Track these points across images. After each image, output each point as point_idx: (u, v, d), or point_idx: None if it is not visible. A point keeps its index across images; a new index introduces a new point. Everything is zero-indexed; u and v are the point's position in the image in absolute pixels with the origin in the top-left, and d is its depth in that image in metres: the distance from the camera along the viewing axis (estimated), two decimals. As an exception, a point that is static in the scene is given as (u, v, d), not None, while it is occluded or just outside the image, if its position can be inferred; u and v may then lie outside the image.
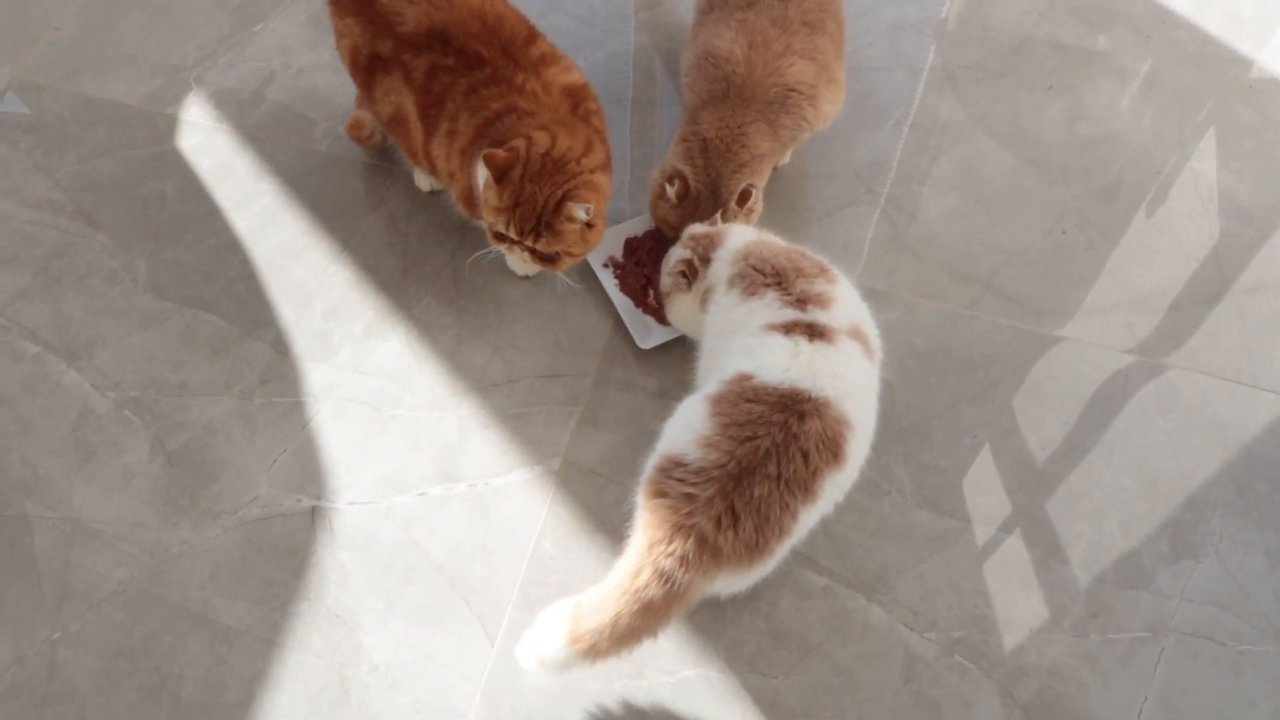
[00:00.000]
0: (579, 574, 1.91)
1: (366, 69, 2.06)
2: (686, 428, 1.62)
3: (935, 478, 2.02)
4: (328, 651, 1.86)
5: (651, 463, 1.64)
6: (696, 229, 1.96)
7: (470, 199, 2.03)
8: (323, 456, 2.04)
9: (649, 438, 1.70)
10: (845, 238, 2.32)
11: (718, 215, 1.99)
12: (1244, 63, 2.55)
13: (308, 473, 2.03)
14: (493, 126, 1.91)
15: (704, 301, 1.86)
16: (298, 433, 2.07)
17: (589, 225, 1.89)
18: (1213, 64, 2.55)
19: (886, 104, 2.51)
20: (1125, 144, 2.44)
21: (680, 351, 2.12)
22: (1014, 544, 1.95)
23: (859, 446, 1.64)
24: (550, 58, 1.97)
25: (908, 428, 2.07)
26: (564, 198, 1.81)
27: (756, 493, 1.54)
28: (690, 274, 1.88)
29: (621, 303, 2.17)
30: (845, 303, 1.73)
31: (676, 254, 1.94)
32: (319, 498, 2.01)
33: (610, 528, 1.95)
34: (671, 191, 2.05)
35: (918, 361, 2.15)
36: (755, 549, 1.55)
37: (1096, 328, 2.19)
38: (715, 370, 1.74)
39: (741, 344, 1.69)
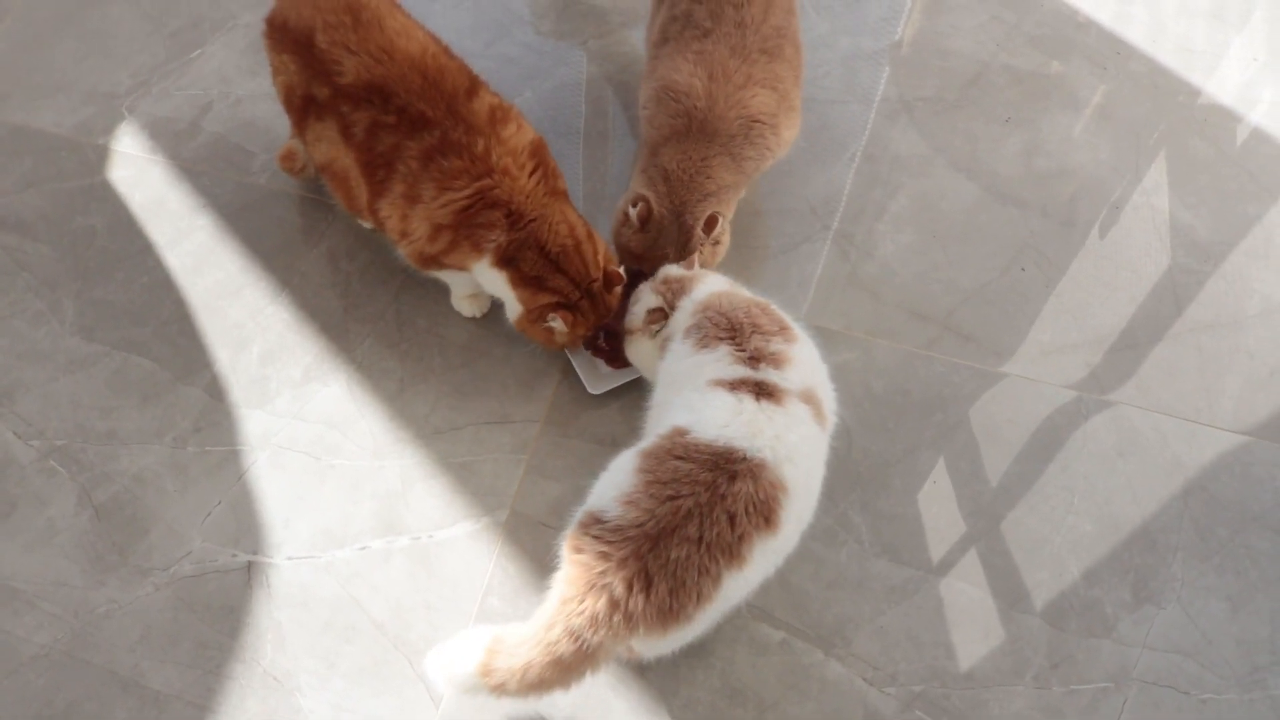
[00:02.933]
0: (527, 632, 1.84)
1: (300, 109, 1.98)
2: (612, 483, 1.56)
3: (894, 525, 1.97)
4: (264, 716, 1.77)
5: (576, 516, 1.59)
6: (671, 271, 1.90)
7: (427, 260, 1.95)
8: (259, 509, 1.95)
9: (595, 473, 1.67)
10: (800, 276, 2.27)
11: (694, 258, 1.93)
12: (1194, 93, 2.54)
13: (243, 526, 1.94)
14: (481, 216, 1.83)
15: (663, 348, 1.80)
16: (233, 484, 1.97)
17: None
18: (1165, 95, 2.54)
19: (843, 137, 2.46)
20: (1081, 177, 2.41)
21: (633, 396, 2.05)
22: (975, 593, 1.91)
23: (797, 513, 1.58)
24: (500, 113, 1.89)
25: (865, 474, 2.02)
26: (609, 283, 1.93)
27: (674, 555, 1.48)
28: (662, 321, 1.82)
29: (575, 350, 2.11)
30: (802, 364, 1.68)
31: (647, 298, 1.87)
32: (255, 552, 1.92)
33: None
34: (634, 214, 1.98)
35: (875, 405, 2.10)
36: (670, 614, 1.49)
37: (1055, 367, 2.16)
38: (659, 422, 1.68)
39: (685, 398, 1.64)
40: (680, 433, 1.56)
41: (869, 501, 1.99)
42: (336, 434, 2.02)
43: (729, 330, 1.69)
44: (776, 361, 1.64)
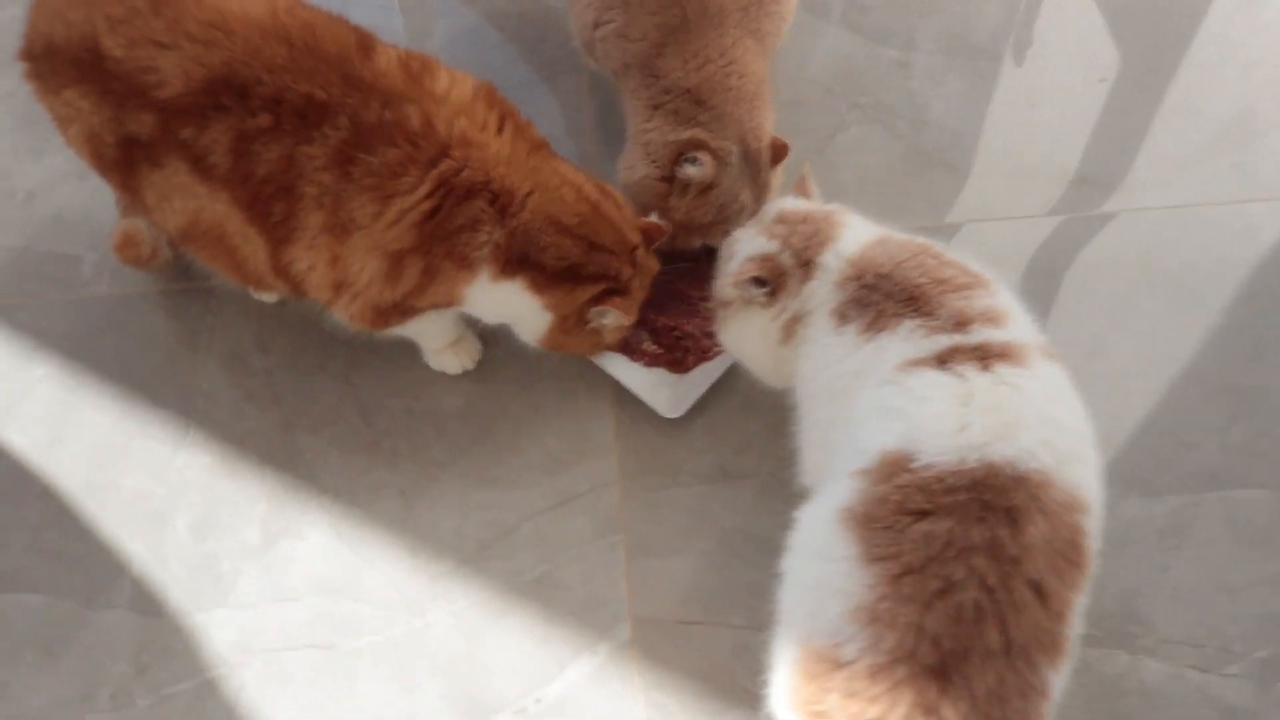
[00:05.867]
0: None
1: (121, 163, 1.33)
2: (822, 590, 0.98)
3: (1129, 446, 1.43)
4: None
5: (784, 663, 1.02)
6: (788, 206, 1.28)
7: (387, 313, 1.33)
8: (274, 750, 1.30)
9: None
10: (854, 175, 1.72)
11: (809, 182, 1.32)
12: None
13: (261, 783, 1.28)
14: (457, 216, 1.26)
15: (789, 332, 1.20)
16: (221, 727, 1.31)
17: None
18: None
19: (826, -7, 1.90)
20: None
21: (724, 396, 1.47)
22: (1265, 497, 1.39)
23: (1096, 533, 1.02)
24: (417, 64, 1.29)
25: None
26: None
27: (979, 687, 0.91)
28: (775, 281, 1.20)
29: (616, 365, 1.50)
30: (1022, 317, 1.12)
31: (750, 243, 1.25)
32: (293, 814, 1.27)
33: (742, 691, 1.28)
34: (698, 170, 1.39)
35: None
36: None
37: (1211, 180, 1.66)
38: (834, 450, 1.10)
39: (874, 400, 1.06)
40: (899, 463, 0.99)
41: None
42: (343, 602, 1.38)
43: (907, 299, 1.12)
44: (992, 318, 1.09)
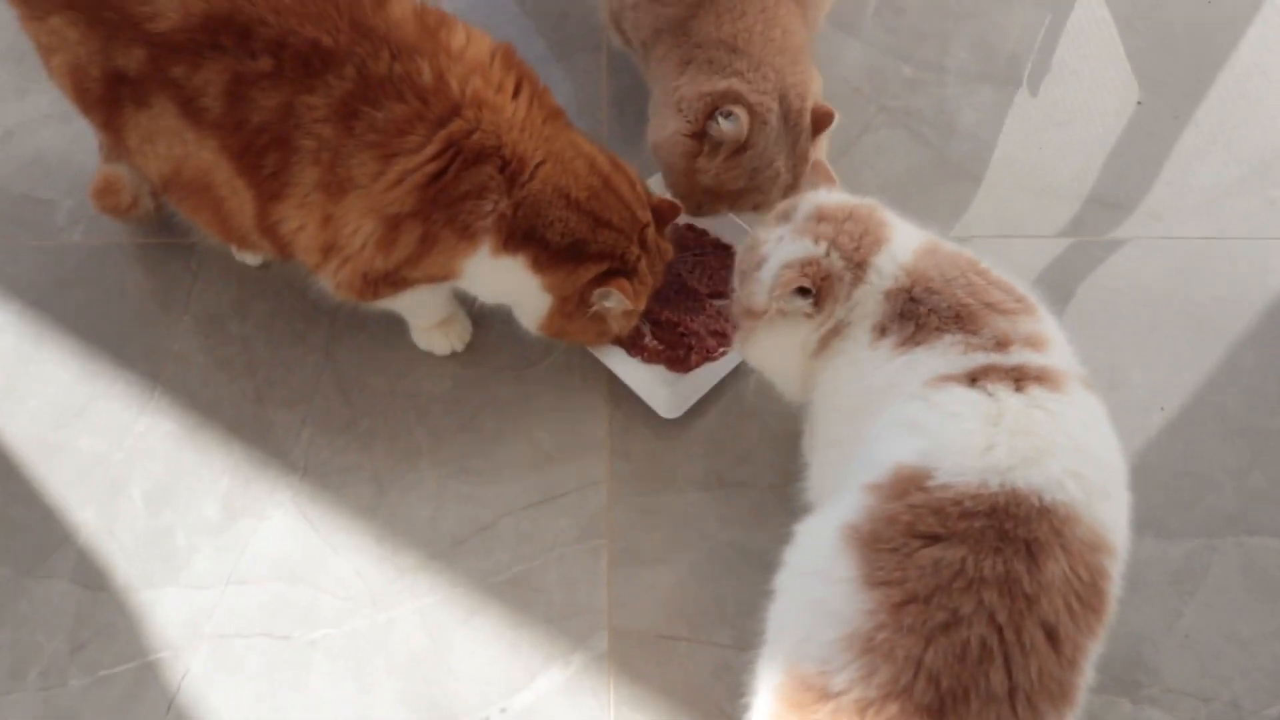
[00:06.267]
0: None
1: (105, 100, 1.24)
2: (816, 612, 0.90)
3: (1150, 485, 1.36)
4: None
5: (766, 687, 0.93)
6: (825, 201, 1.12)
7: (378, 283, 1.25)
8: (217, 742, 1.21)
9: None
10: (878, 178, 1.65)
11: (824, 164, 1.20)
12: None
13: (199, 779, 1.19)
14: (463, 180, 1.17)
15: (826, 344, 1.09)
16: (163, 716, 1.22)
17: None
18: None
19: (859, -13, 1.82)
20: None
21: (726, 399, 1.39)
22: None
23: (1119, 578, 0.94)
24: (434, 18, 1.21)
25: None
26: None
27: None
28: (821, 288, 1.06)
29: (615, 359, 1.41)
30: (1064, 347, 1.04)
31: (789, 246, 1.09)
32: (231, 814, 1.18)
33: (721, 715, 1.20)
34: (731, 126, 1.28)
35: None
36: None
37: (1229, 212, 1.59)
38: (847, 470, 1.01)
39: (897, 414, 0.98)
40: (913, 480, 0.90)
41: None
42: (303, 589, 1.29)
43: (952, 316, 1.02)
44: (1034, 342, 1.00)
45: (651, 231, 1.29)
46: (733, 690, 1.17)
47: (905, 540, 0.87)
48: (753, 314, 1.12)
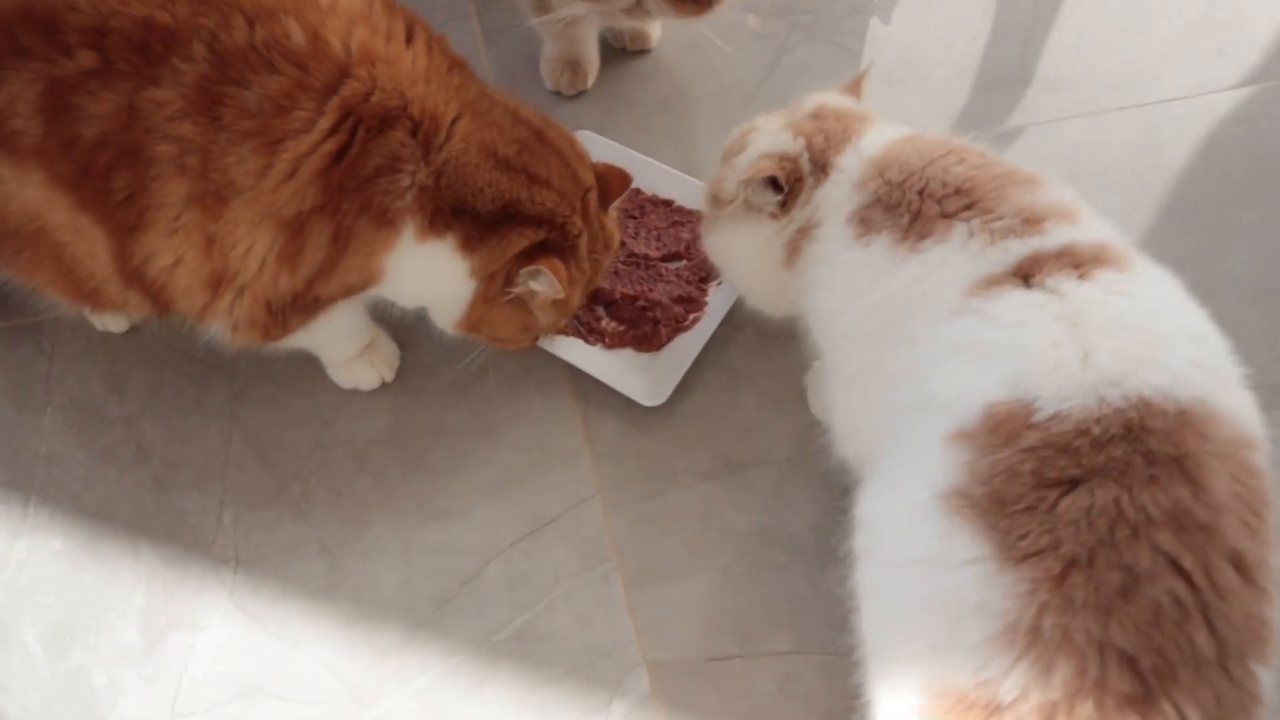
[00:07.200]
0: None
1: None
2: (945, 609, 0.73)
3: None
4: None
5: (899, 708, 0.76)
6: (828, 100, 1.04)
7: (285, 312, 1.02)
8: None
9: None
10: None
11: (862, 82, 1.09)
12: None
13: None
14: (371, 154, 0.95)
15: (794, 250, 0.97)
16: None
17: None
18: None
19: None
20: None
21: (709, 371, 1.22)
22: None
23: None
24: None
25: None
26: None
27: (1195, 714, 0.67)
28: (790, 187, 0.96)
29: (574, 351, 1.22)
30: (1094, 214, 0.90)
31: (770, 138, 1.00)
32: None
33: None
34: None
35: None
36: None
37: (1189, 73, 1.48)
38: (888, 408, 0.86)
39: (947, 337, 0.82)
40: (1015, 418, 0.74)
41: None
42: (266, 705, 1.06)
43: (954, 194, 0.88)
44: (1065, 214, 0.87)
45: (594, 199, 1.09)
46: (807, 702, 1.00)
47: (1038, 494, 0.71)
48: (719, 202, 1.03)
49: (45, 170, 0.94)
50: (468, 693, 1.04)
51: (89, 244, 0.99)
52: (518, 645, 1.07)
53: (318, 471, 1.18)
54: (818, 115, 1.01)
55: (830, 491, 1.08)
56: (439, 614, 1.09)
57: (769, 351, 1.23)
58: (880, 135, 0.98)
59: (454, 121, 0.98)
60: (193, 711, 1.04)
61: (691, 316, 1.24)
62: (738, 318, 1.22)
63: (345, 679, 1.06)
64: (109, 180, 0.94)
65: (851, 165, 0.95)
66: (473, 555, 1.12)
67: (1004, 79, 1.50)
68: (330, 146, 0.93)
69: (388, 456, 1.19)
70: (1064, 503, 0.70)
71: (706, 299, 1.25)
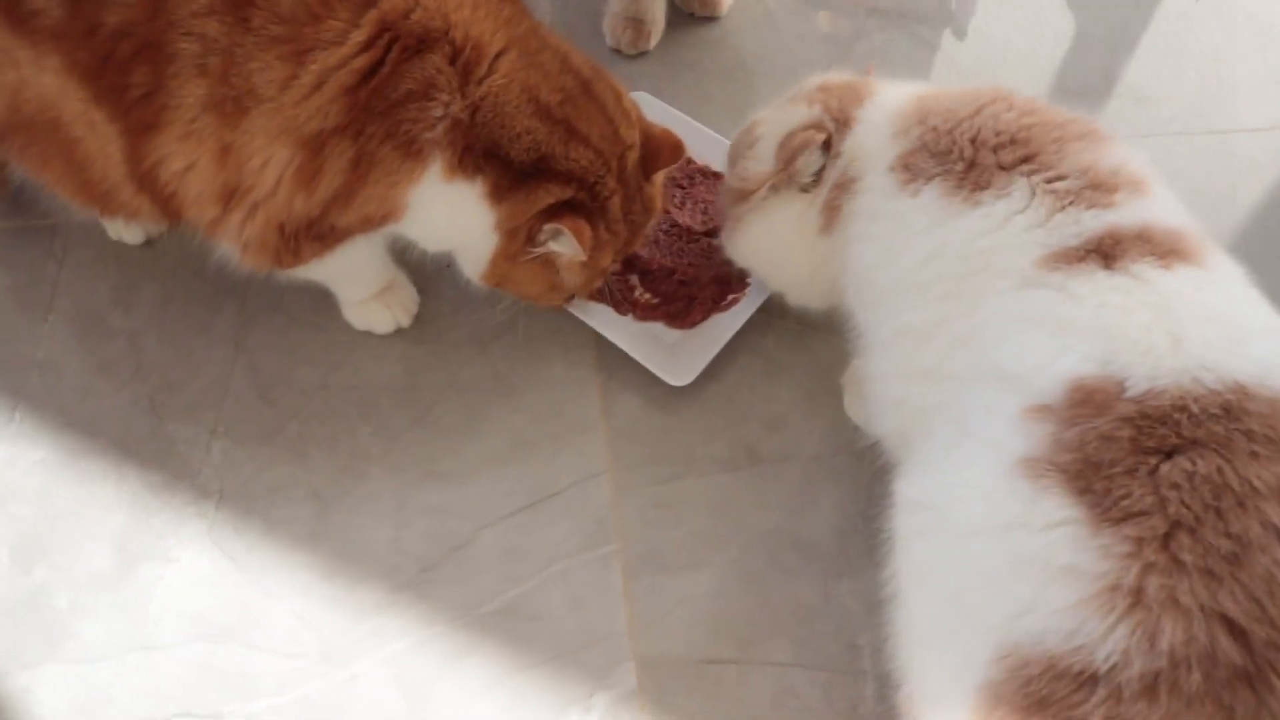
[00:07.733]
0: None
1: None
2: (1029, 572, 0.68)
3: None
4: None
5: (958, 690, 0.70)
6: (831, 78, 1.04)
7: (299, 237, 0.96)
8: None
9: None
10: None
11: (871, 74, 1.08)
12: None
13: None
14: (403, 78, 0.89)
15: (833, 211, 0.95)
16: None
17: None
18: None
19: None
20: None
21: (744, 355, 1.15)
22: None
23: None
24: None
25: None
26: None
27: None
28: (821, 155, 0.97)
29: (603, 320, 1.15)
30: (1160, 184, 0.88)
31: (786, 118, 1.00)
32: None
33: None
34: None
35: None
36: None
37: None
38: (944, 380, 0.83)
39: (1020, 308, 0.80)
40: (1105, 392, 0.72)
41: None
42: (232, 650, 1.00)
43: (1009, 144, 0.86)
44: (1136, 186, 0.84)
45: (634, 158, 1.01)
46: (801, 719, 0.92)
47: (1137, 458, 0.68)
48: (743, 196, 1.01)
49: (63, 55, 0.90)
50: (444, 665, 0.98)
51: (102, 141, 0.94)
52: (502, 621, 1.00)
53: (319, 413, 1.13)
54: (823, 89, 1.01)
55: (857, 497, 1.01)
56: (424, 578, 1.03)
57: (810, 344, 1.15)
58: (897, 90, 0.98)
59: (498, 55, 0.92)
60: (154, 645, 0.99)
61: (730, 297, 1.17)
62: (780, 305, 1.15)
63: (319, 634, 1.00)
64: (127, 74, 0.89)
65: (875, 116, 0.95)
66: (468, 520, 1.06)
67: (1085, 88, 1.44)
68: (361, 63, 0.87)
69: (394, 406, 1.13)
70: (1165, 467, 0.67)
71: (749, 280, 1.17)
